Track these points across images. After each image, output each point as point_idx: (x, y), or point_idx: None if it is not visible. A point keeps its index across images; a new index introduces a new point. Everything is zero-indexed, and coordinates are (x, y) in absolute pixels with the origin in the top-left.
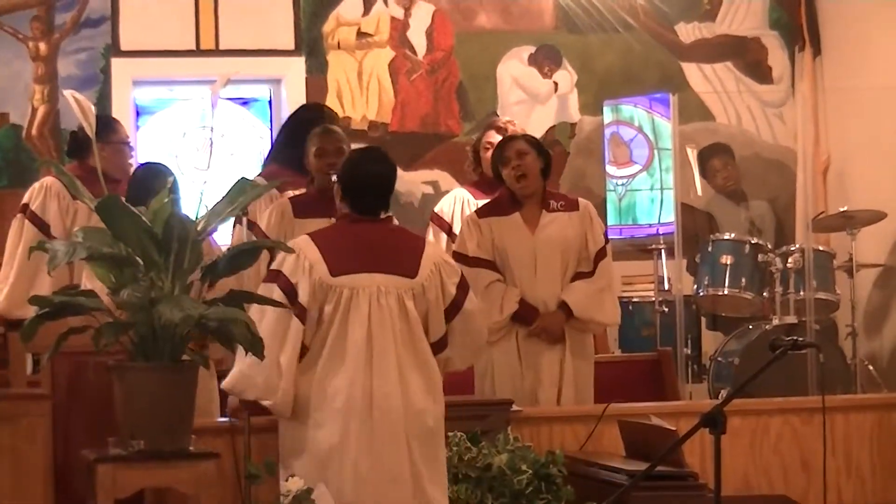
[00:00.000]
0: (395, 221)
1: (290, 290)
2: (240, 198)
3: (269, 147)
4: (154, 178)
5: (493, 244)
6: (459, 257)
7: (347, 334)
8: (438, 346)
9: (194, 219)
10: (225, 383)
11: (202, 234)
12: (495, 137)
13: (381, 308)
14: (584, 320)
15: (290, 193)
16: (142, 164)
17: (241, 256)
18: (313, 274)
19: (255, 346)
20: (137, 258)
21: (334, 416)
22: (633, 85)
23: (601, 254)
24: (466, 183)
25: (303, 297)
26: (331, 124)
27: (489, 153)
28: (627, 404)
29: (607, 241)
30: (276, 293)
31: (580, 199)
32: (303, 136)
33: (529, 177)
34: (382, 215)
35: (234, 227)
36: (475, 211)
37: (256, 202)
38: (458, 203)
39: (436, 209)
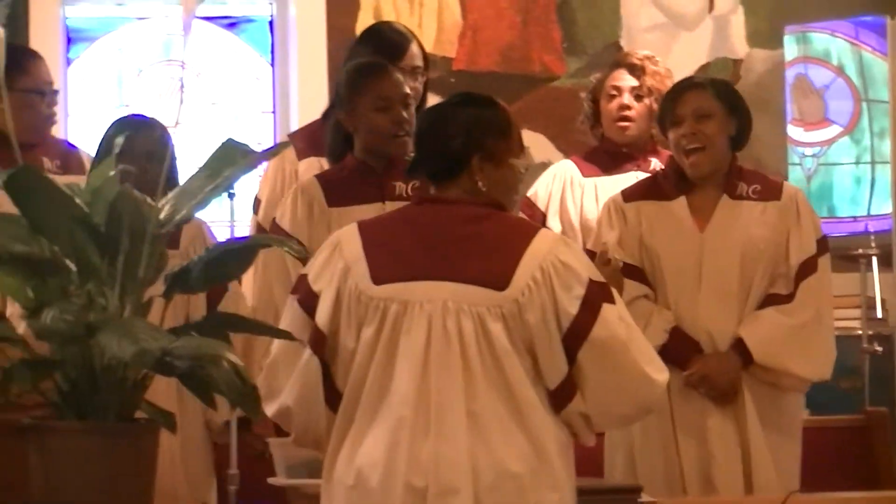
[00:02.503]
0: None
1: (309, 304)
2: (225, 170)
3: (271, 90)
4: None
5: (642, 242)
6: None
7: (393, 374)
8: (561, 395)
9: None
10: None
11: (166, 223)
12: (625, 80)
13: (448, 335)
14: (773, 370)
15: (306, 165)
16: (117, 120)
17: (225, 259)
18: (348, 279)
19: (247, 399)
20: (68, 262)
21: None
22: (829, 2)
23: (807, 269)
24: (575, 152)
25: (321, 314)
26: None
27: (614, 105)
28: (819, 495)
29: (823, 249)
30: (293, 309)
31: (785, 184)
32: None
33: (709, 151)
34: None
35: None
36: (621, 192)
37: (270, 185)
38: (559, 182)
39: (528, 192)
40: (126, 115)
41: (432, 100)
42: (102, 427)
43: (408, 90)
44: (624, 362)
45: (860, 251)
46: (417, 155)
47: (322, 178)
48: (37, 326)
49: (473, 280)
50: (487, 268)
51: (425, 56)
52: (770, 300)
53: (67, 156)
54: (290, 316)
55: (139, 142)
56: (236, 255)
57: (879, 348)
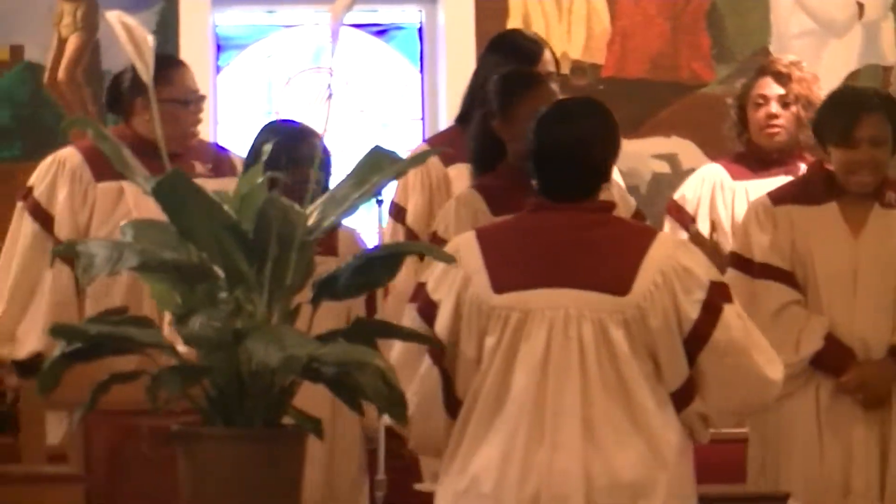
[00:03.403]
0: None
1: (428, 313)
2: (373, 177)
3: (420, 97)
4: (300, 154)
5: (794, 247)
6: (738, 262)
7: (512, 381)
8: (682, 397)
9: (304, 209)
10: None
11: (315, 231)
12: (772, 88)
13: (569, 342)
14: None
15: (456, 171)
16: (269, 124)
17: (372, 267)
18: (469, 289)
19: (395, 406)
20: (216, 268)
21: None
22: None
23: None
24: (724, 157)
25: (441, 323)
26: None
27: (762, 114)
28: None
29: None
30: (411, 317)
31: None
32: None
33: (879, 173)
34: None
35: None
36: (768, 194)
37: (417, 192)
38: (708, 186)
39: (675, 196)
40: (277, 120)
41: None
42: (250, 433)
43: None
44: (743, 363)
45: None
46: (553, 172)
47: (481, 187)
48: (185, 333)
49: (594, 286)
50: (608, 273)
51: (557, 62)
52: None
53: (219, 159)
54: (409, 324)
55: (304, 148)
56: (382, 262)
57: None
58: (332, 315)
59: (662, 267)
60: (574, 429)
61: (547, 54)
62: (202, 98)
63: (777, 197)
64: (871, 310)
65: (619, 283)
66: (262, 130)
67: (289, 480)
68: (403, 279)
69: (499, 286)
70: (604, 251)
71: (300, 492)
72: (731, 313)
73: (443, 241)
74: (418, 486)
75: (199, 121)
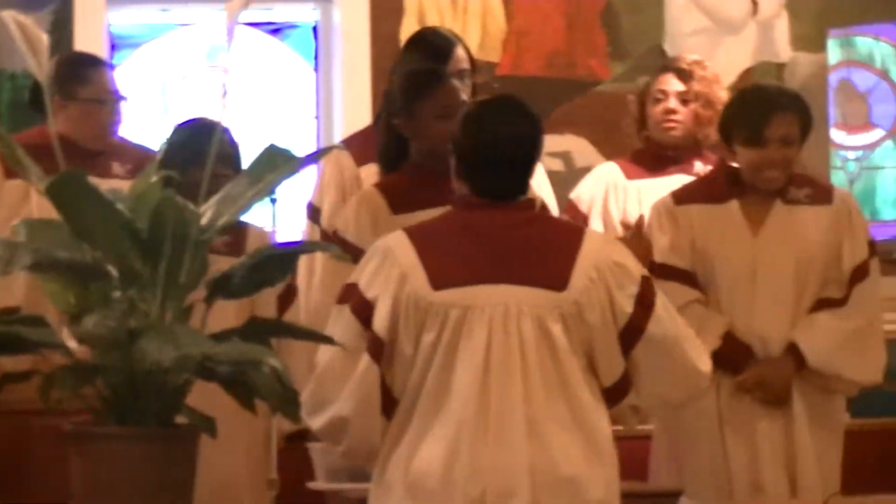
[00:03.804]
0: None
1: (364, 312)
2: (267, 175)
3: (315, 95)
4: (201, 144)
5: (694, 246)
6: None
7: (453, 378)
8: (617, 392)
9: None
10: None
11: (209, 230)
12: (672, 84)
13: (509, 337)
14: (825, 374)
15: (367, 171)
16: (182, 123)
17: (266, 266)
18: (405, 286)
19: (289, 405)
20: (110, 268)
21: None
22: (873, 6)
23: (860, 273)
24: (621, 156)
25: (379, 322)
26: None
27: (660, 109)
28: (861, 498)
29: (873, 252)
30: (344, 318)
31: (835, 188)
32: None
33: (787, 171)
34: (520, 199)
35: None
36: (671, 194)
37: (331, 193)
38: (602, 185)
39: (572, 195)
40: (188, 120)
41: None
42: (143, 432)
43: (465, 97)
44: (677, 355)
45: None
46: (462, 168)
47: (382, 186)
48: (78, 332)
49: (533, 282)
50: (545, 269)
51: (472, 59)
52: (822, 304)
53: (143, 160)
54: (342, 325)
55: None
56: (278, 260)
57: None
58: (231, 314)
59: (596, 262)
60: (518, 425)
61: (459, 51)
62: (122, 98)
63: (679, 196)
64: (769, 307)
65: (556, 279)
66: (174, 130)
67: (182, 479)
68: (321, 279)
69: (437, 283)
70: (539, 248)
71: (192, 490)
72: (662, 306)
73: (342, 240)
74: (311, 485)
75: (116, 120)
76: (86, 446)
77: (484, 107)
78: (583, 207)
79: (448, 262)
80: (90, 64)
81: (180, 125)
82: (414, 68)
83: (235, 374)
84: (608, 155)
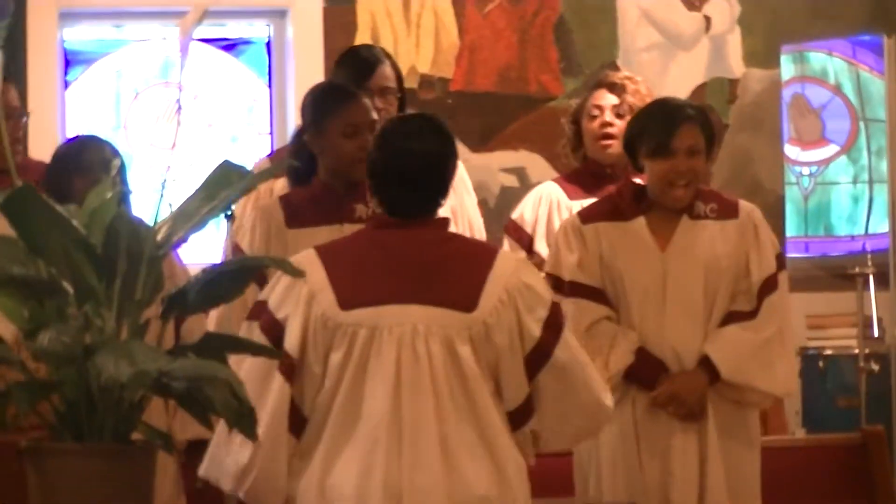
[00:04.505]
0: (455, 227)
1: (274, 333)
2: (222, 191)
3: (268, 111)
4: (88, 160)
5: (603, 262)
6: (551, 281)
7: (363, 397)
8: (520, 416)
9: (153, 224)
10: (200, 469)
11: (164, 246)
12: (606, 99)
13: (418, 358)
14: (738, 386)
15: (283, 184)
16: (71, 140)
17: (221, 282)
18: (313, 307)
19: (244, 419)
20: (65, 283)
21: None
22: (826, 21)
23: (769, 285)
24: (559, 176)
25: (291, 341)
26: (377, 81)
27: (596, 124)
28: None
29: (781, 265)
30: (254, 335)
31: (741, 202)
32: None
33: (694, 184)
34: (433, 218)
35: (225, 238)
36: (577, 213)
37: (242, 203)
38: (545, 205)
39: (514, 215)
40: (76, 136)
41: None
42: (99, 448)
43: (375, 116)
44: (580, 384)
45: (857, 270)
46: (400, 191)
47: (284, 198)
48: (34, 348)
49: (441, 302)
50: (454, 290)
51: (399, 77)
52: (732, 317)
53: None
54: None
55: (90, 155)
56: (232, 276)
57: (876, 367)
58: None
59: (507, 284)
60: (432, 446)
61: (384, 69)
62: (20, 115)
63: (586, 215)
64: (680, 321)
65: (465, 300)
66: (59, 145)
67: (139, 495)
68: None
69: (345, 302)
70: (449, 268)
71: None
72: (569, 334)
73: (239, 249)
74: None
75: (17, 139)
76: (42, 463)
77: (395, 122)
78: (527, 228)
79: (357, 282)
80: None
81: (66, 141)
82: (324, 85)
83: (191, 389)
84: (562, 171)
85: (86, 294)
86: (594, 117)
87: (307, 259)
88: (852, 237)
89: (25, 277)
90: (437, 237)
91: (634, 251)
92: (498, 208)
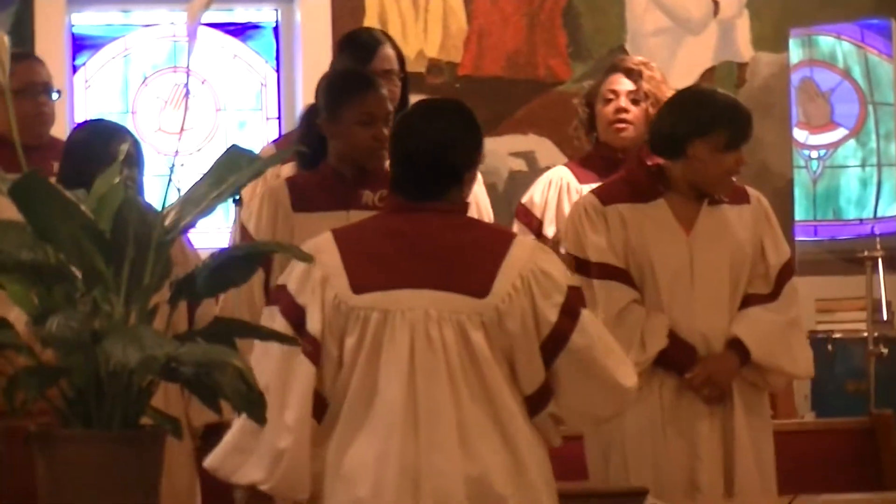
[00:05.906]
0: (475, 212)
1: (295, 316)
2: (230, 176)
3: (276, 96)
4: (103, 144)
5: (628, 245)
6: (574, 264)
7: (378, 381)
8: (538, 400)
9: (161, 209)
10: (208, 460)
11: (172, 232)
12: (623, 84)
13: (432, 342)
14: (764, 368)
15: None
16: (82, 123)
17: (230, 267)
18: (327, 290)
19: (253, 405)
20: (73, 269)
21: None
22: (834, 5)
23: (788, 270)
24: (571, 160)
25: (313, 325)
26: (378, 64)
27: (611, 108)
28: (824, 497)
29: (793, 250)
30: (276, 321)
31: (749, 189)
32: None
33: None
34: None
35: (233, 222)
36: (593, 194)
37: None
38: (555, 189)
39: (523, 199)
40: (94, 120)
41: None
42: (108, 435)
43: (391, 107)
44: (599, 369)
45: (866, 254)
46: (410, 173)
47: (292, 181)
48: (42, 334)
49: (454, 288)
50: (468, 276)
51: (401, 59)
52: (752, 300)
53: None
54: (275, 327)
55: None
56: (242, 261)
57: (885, 350)
58: None
59: (521, 270)
60: (449, 430)
61: (385, 51)
62: (49, 90)
63: (605, 196)
64: (708, 305)
65: (478, 286)
66: (74, 130)
67: (148, 481)
68: None
69: (358, 286)
70: (464, 253)
71: (159, 492)
72: (588, 318)
73: (246, 231)
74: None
75: (43, 113)
76: (50, 449)
77: (418, 104)
78: (536, 213)
79: (370, 266)
80: (20, 56)
81: (79, 125)
82: (343, 71)
83: (200, 375)
84: (570, 155)
85: (94, 279)
86: (609, 101)
87: (324, 242)
88: (861, 221)
89: (34, 263)
90: (453, 222)
91: (661, 234)
92: (507, 193)
